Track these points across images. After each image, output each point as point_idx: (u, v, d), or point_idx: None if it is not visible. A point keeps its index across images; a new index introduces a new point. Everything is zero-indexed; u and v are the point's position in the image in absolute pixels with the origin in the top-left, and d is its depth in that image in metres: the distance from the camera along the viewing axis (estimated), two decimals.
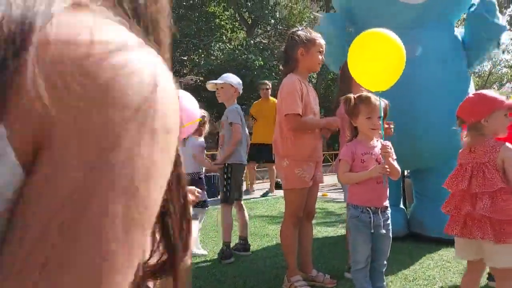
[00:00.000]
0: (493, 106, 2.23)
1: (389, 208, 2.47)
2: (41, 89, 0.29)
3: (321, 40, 2.94)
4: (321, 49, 2.94)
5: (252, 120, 7.36)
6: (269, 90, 7.41)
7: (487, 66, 33.88)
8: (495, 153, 2.19)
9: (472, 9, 3.98)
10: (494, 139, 2.27)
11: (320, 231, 4.77)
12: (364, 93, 2.43)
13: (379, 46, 2.37)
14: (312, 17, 21.64)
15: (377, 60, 2.36)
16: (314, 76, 15.74)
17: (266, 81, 7.76)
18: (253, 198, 7.31)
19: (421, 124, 3.82)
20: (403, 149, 3.75)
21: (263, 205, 6.57)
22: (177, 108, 0.37)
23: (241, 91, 3.99)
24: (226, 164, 3.85)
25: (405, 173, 4.96)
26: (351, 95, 2.44)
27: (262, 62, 13.78)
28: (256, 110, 7.46)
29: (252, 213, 5.84)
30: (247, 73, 13.85)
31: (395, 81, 2.45)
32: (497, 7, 3.82)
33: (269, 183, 8.07)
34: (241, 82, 4.01)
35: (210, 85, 3.98)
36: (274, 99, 7.58)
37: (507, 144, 2.22)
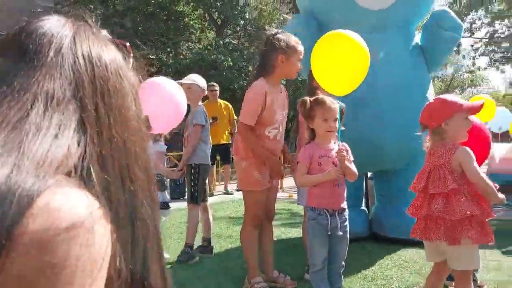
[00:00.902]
0: (453, 109, 2.29)
1: (346, 210, 2.50)
2: None
3: (301, 47, 2.89)
4: (300, 56, 2.90)
5: (212, 121, 7.37)
6: (217, 92, 7.42)
7: (449, 71, 35.06)
8: (451, 155, 2.25)
9: (428, 18, 4.09)
10: (455, 142, 2.33)
11: (284, 232, 4.79)
12: (320, 96, 2.45)
13: (344, 49, 2.38)
14: (281, 18, 21.78)
15: (341, 64, 2.38)
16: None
17: (214, 83, 7.73)
18: (218, 199, 7.29)
19: (382, 127, 3.89)
20: (365, 152, 3.82)
21: (228, 206, 6.55)
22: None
23: (206, 92, 3.97)
24: (193, 165, 3.81)
25: (368, 174, 5.04)
26: (307, 98, 2.46)
27: (231, 63, 13.75)
28: None
29: (216, 214, 5.81)
30: (216, 74, 13.79)
31: (358, 86, 2.48)
32: (452, 16, 3.91)
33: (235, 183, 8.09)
34: (206, 83, 4.00)
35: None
36: (222, 102, 7.62)
37: (464, 147, 2.29)
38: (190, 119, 3.88)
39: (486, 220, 2.25)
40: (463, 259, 2.26)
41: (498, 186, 2.28)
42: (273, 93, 2.88)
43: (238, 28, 16.96)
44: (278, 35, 2.87)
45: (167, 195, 3.92)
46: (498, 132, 6.03)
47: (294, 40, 2.86)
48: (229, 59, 13.73)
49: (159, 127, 1.81)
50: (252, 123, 2.83)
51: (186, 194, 4.00)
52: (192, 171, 3.81)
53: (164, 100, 2.04)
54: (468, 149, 2.27)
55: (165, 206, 3.82)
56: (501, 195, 2.27)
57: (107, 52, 0.54)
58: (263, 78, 2.89)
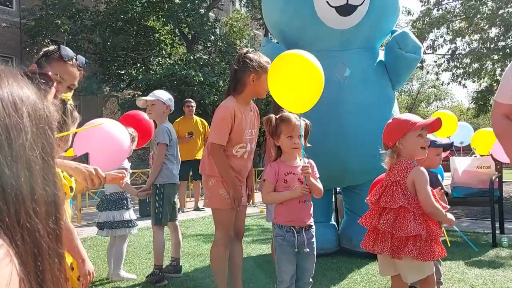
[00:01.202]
0: (405, 128, 2.37)
1: (313, 227, 2.52)
2: None
3: None
4: None
5: (189, 136, 7.31)
6: (193, 108, 7.49)
7: (415, 85, 36.17)
8: (406, 173, 2.33)
9: (390, 38, 4.21)
10: (412, 160, 2.40)
11: (254, 249, 4.77)
12: (285, 113, 2.48)
13: (298, 68, 2.43)
14: (252, 34, 22.03)
15: (296, 82, 2.42)
16: None
17: (191, 99, 7.91)
18: (189, 216, 7.20)
19: (348, 143, 3.95)
20: (332, 167, 3.88)
21: (198, 223, 6.48)
22: None
23: (173, 108, 3.89)
24: (158, 185, 3.72)
25: (337, 189, 5.10)
26: (272, 116, 2.49)
27: (202, 78, 13.75)
28: (175, 129, 7.57)
29: (187, 231, 5.74)
30: (186, 89, 13.76)
31: (315, 103, 2.52)
32: (412, 39, 4.03)
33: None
34: (172, 98, 3.91)
35: (141, 102, 3.86)
36: (198, 118, 7.65)
37: (419, 168, 2.36)
38: (154, 137, 3.81)
39: (437, 237, 2.32)
40: (414, 270, 2.35)
41: (448, 208, 2.38)
42: (242, 112, 2.88)
43: (209, 44, 17.02)
44: (250, 54, 2.88)
45: (131, 213, 3.82)
46: (460, 146, 6.23)
47: (265, 60, 2.88)
48: (200, 74, 13.74)
49: (100, 165, 1.79)
50: (224, 142, 2.82)
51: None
52: (157, 192, 3.71)
53: (105, 140, 2.02)
54: (423, 170, 2.35)
55: (130, 224, 3.74)
56: (450, 216, 2.35)
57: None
58: (232, 97, 2.89)
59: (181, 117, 7.57)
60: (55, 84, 1.43)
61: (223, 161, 2.82)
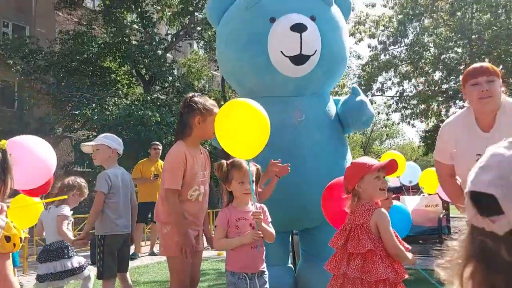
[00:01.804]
0: (362, 171, 2.43)
1: (266, 273, 2.52)
2: None
3: (217, 109, 2.93)
4: None
5: (154, 178, 7.28)
6: (159, 151, 7.53)
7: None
8: (369, 216, 2.37)
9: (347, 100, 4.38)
10: (373, 202, 2.45)
11: None
12: (236, 159, 2.52)
13: (243, 116, 2.50)
14: (210, 75, 22.36)
15: (243, 130, 2.48)
16: None
17: (157, 142, 7.97)
18: (144, 261, 6.95)
19: (306, 184, 4.01)
20: (291, 209, 3.91)
21: (154, 269, 6.26)
22: None
23: (120, 152, 3.74)
24: (99, 236, 3.51)
25: (294, 230, 5.11)
26: (224, 161, 2.52)
27: (159, 118, 13.68)
28: (139, 170, 7.52)
29: (141, 279, 5.52)
30: (143, 129, 13.60)
31: (261, 149, 2.58)
32: (367, 112, 4.15)
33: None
34: (120, 141, 3.77)
35: (85, 147, 3.75)
36: (161, 161, 7.61)
37: (381, 209, 2.42)
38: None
39: (402, 278, 2.37)
40: None
41: (409, 248, 2.44)
42: (192, 155, 2.89)
43: (166, 84, 17.08)
44: (195, 98, 2.94)
45: (74, 261, 3.63)
46: (408, 185, 6.49)
47: (210, 103, 2.95)
48: (157, 115, 13.67)
49: (23, 185, 1.74)
50: (178, 187, 2.80)
51: None
52: (98, 243, 3.50)
53: (26, 157, 1.99)
54: (384, 211, 2.39)
55: (76, 271, 3.58)
56: (410, 255, 2.41)
57: None
58: (181, 141, 2.91)
59: (146, 159, 7.65)
60: None
61: (177, 207, 2.78)
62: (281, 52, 3.89)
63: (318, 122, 4.19)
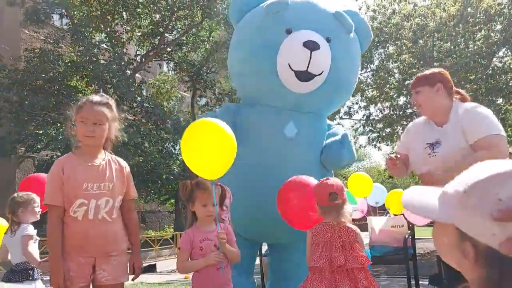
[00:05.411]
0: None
1: None
2: None
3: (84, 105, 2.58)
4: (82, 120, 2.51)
5: None
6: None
7: None
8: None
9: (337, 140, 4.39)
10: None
11: None
12: (201, 179, 2.47)
13: (208, 135, 2.47)
14: (179, 96, 22.27)
15: (208, 149, 2.45)
16: None
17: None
18: None
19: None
20: (263, 222, 3.86)
21: None
22: None
23: None
24: None
25: (263, 251, 5.05)
26: (188, 181, 2.47)
27: (126, 139, 13.41)
28: None
29: None
30: (110, 150, 13.29)
31: (226, 170, 2.55)
32: (348, 157, 4.14)
33: None
34: None
35: None
36: None
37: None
38: None
39: None
40: None
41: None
42: (80, 163, 2.47)
43: (135, 104, 16.86)
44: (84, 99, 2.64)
45: (38, 284, 3.45)
46: (375, 206, 6.57)
47: (88, 100, 2.60)
48: (125, 135, 13.39)
49: None
50: (57, 202, 2.35)
51: None
52: None
53: None
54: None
55: None
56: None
57: None
58: (71, 153, 2.58)
59: None
60: None
61: (54, 229, 2.34)
62: (289, 64, 3.87)
63: (309, 140, 4.18)
